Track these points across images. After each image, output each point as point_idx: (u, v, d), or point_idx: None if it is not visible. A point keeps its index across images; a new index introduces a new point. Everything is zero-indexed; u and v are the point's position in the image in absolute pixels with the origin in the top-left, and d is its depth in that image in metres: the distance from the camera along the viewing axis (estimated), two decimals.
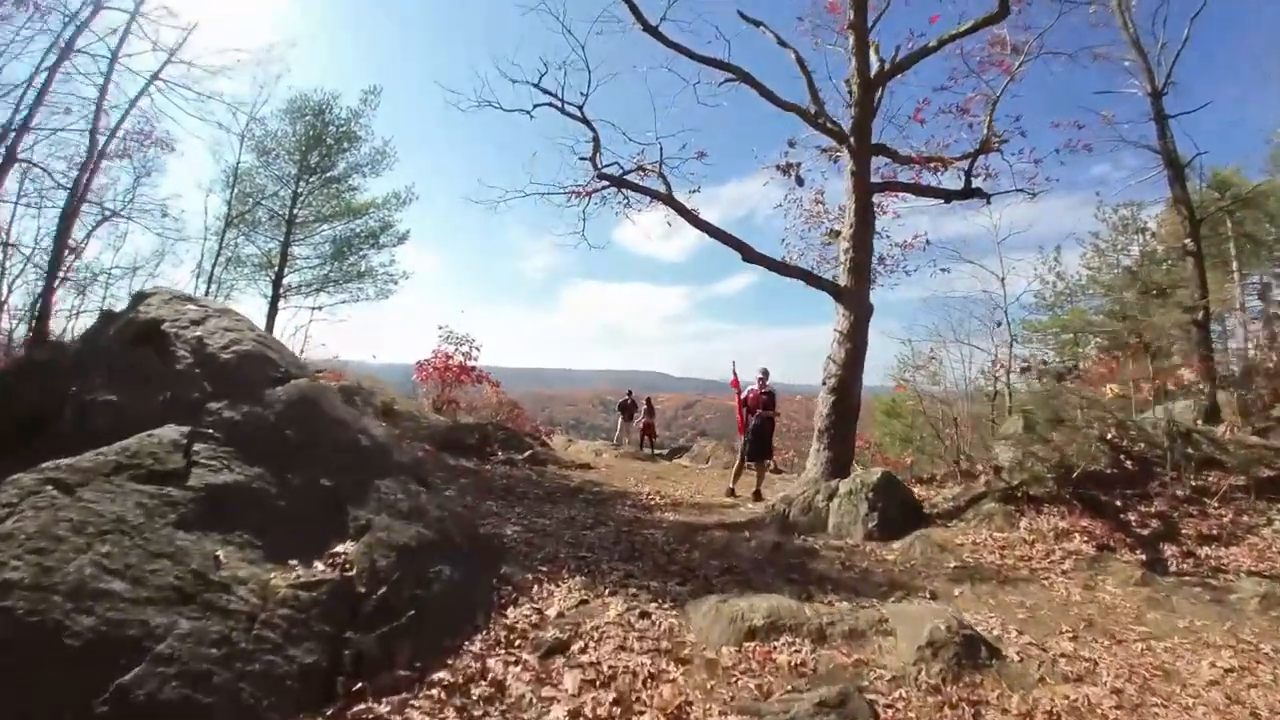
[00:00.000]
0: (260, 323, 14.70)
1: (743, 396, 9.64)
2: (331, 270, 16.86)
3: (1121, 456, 8.02)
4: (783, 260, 9.19)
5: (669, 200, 8.44)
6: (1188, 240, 11.78)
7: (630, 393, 19.03)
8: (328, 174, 16.59)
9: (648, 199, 9.14)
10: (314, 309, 16.07)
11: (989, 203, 9.56)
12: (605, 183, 9.21)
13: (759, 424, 9.42)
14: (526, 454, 11.39)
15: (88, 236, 14.13)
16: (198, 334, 4.55)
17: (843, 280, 8.28)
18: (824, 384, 8.09)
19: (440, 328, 14.92)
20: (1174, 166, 12.75)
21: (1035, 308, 18.92)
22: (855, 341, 8.03)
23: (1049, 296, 19.07)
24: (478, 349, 14.83)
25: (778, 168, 9.88)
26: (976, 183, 9.12)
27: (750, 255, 8.28)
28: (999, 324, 16.93)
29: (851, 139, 8.36)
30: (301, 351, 15.03)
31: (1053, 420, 8.08)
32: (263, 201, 16.17)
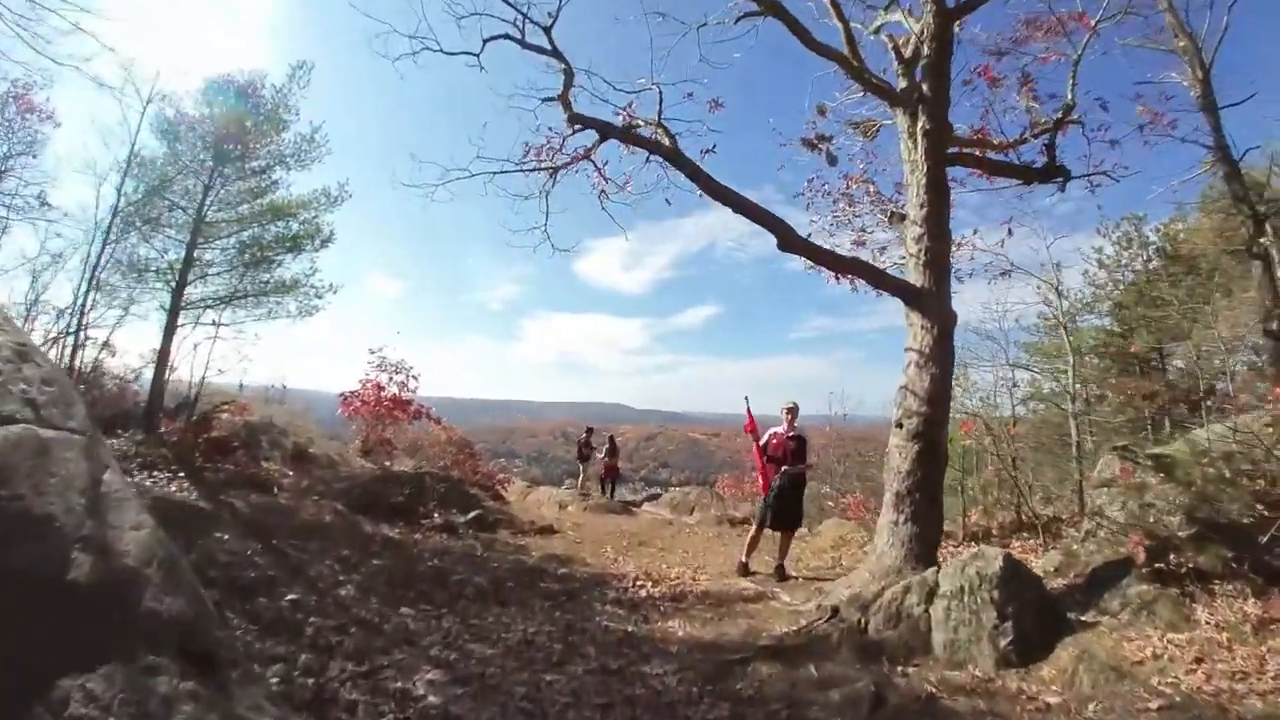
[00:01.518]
0: (155, 342, 11.79)
1: (762, 443, 7.25)
2: (245, 281, 14.05)
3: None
4: (831, 250, 6.84)
5: (674, 157, 5.99)
6: (1265, 240, 9.94)
7: (589, 430, 16.45)
8: (249, 163, 13.84)
9: (640, 162, 6.81)
10: (216, 324, 13.23)
11: (1064, 188, 7.50)
12: (580, 127, 6.78)
13: (787, 483, 7.04)
14: (472, 515, 8.78)
15: None
16: None
17: (914, 278, 6.02)
18: (898, 427, 5.74)
19: (372, 352, 12.26)
20: (1229, 161, 11.18)
21: (1037, 329, 17.02)
22: (943, 364, 5.73)
23: (1054, 316, 17.22)
24: (415, 378, 12.19)
25: (803, 142, 7.69)
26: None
27: (789, 241, 5.92)
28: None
29: (924, 85, 6.20)
30: (203, 378, 12.17)
31: (1197, 463, 5.86)
32: (167, 195, 13.29)
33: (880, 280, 6.24)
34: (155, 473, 7.89)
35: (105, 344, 12.80)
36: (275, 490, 8.66)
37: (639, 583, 6.52)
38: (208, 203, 13.47)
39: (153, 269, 13.50)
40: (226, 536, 6.17)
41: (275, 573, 5.69)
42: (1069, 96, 7.10)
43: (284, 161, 14.00)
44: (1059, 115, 7.10)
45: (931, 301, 5.88)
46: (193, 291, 13.87)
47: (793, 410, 7.26)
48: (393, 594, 5.68)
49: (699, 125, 6.86)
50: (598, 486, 15.36)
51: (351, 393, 11.86)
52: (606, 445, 15.80)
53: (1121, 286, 18.09)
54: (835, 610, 5.16)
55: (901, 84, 6.70)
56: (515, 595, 5.77)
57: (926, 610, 4.79)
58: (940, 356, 5.73)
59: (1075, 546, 6.77)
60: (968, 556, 5.12)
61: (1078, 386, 13.65)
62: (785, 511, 7.04)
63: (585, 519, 11.64)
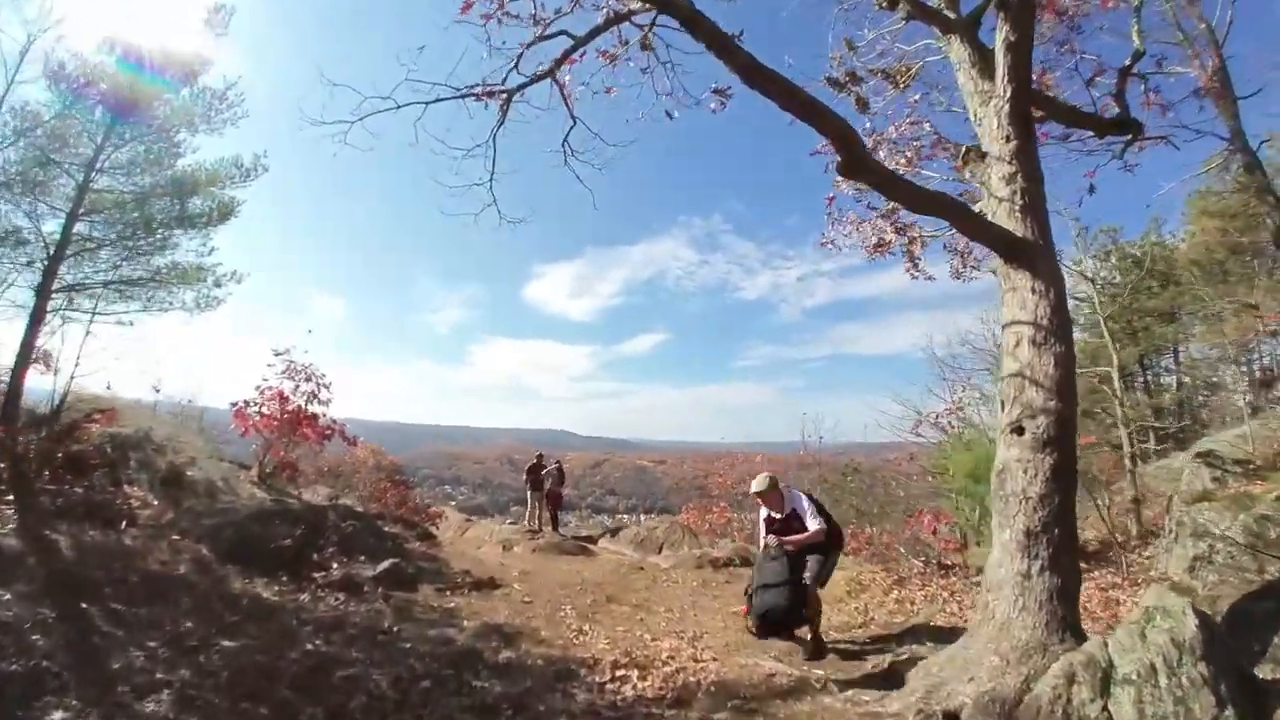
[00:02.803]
0: (14, 335, 9.26)
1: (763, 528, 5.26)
2: (132, 264, 11.57)
3: None
4: (910, 181, 4.97)
5: (693, 20, 3.93)
6: None
7: (540, 455, 14.29)
8: (148, 122, 11.42)
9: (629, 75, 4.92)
10: (92, 313, 10.75)
11: (1136, 142, 6.09)
12: (543, 34, 4.86)
13: (773, 564, 4.94)
14: (385, 565, 6.56)
15: None
16: None
17: (1013, 228, 4.31)
18: (1016, 433, 3.89)
19: (276, 354, 9.87)
20: (1248, 151, 10.40)
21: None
22: (1067, 340, 4.00)
23: (1093, 308, 16.07)
24: (326, 386, 9.84)
25: (829, 82, 5.91)
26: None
27: (858, 162, 3.99)
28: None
29: None
30: (71, 377, 9.73)
31: None
32: (49, 152, 10.82)
33: (974, 225, 4.43)
34: None
35: None
36: (125, 525, 6.39)
37: (620, 673, 4.46)
38: (97, 165, 11.03)
39: (20, 240, 10.93)
40: (12, 594, 4.40)
41: (56, 662, 3.57)
42: (1136, 42, 5.70)
43: (189, 122, 11.63)
44: (1128, 63, 5.69)
45: (1043, 256, 4.17)
46: (67, 274, 11.38)
47: (763, 492, 5.27)
48: (235, 708, 3.51)
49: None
50: (549, 519, 13.20)
51: (246, 402, 9.45)
52: (555, 472, 13.71)
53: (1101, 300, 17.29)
54: (954, 718, 3.25)
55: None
56: (434, 709, 3.65)
57: (1106, 708, 2.94)
58: (1062, 329, 3.99)
59: (1182, 576, 5.23)
60: (1140, 616, 3.30)
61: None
62: (774, 606, 4.79)
63: (535, 563, 9.48)
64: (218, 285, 11.99)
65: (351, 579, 6.11)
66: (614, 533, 13.90)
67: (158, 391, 11.22)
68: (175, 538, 6.47)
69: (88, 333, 10.49)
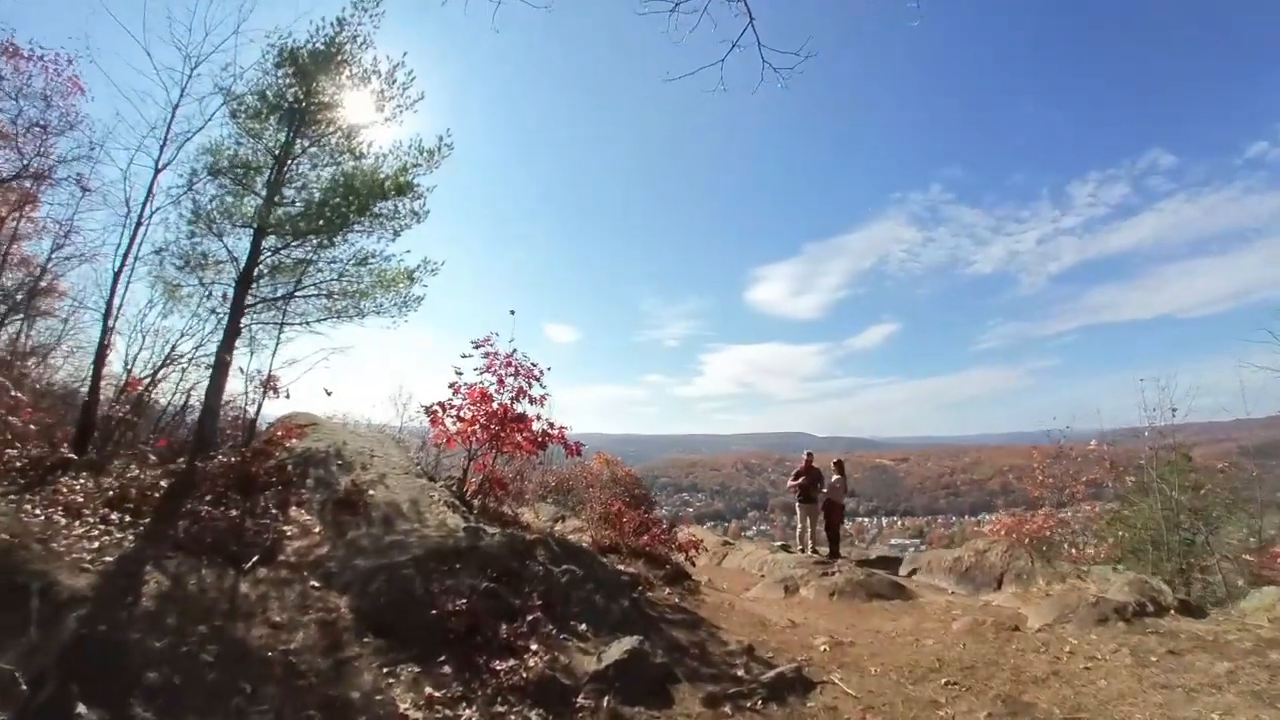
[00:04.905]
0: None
1: None
2: (319, 272, 10.47)
3: None
4: None
5: None
6: None
7: (810, 455, 10.64)
8: (317, 121, 10.28)
9: None
10: (279, 324, 9.74)
11: None
12: None
13: None
14: (618, 649, 3.73)
15: None
16: None
17: None
18: None
19: (475, 345, 7.71)
20: None
21: None
22: None
23: None
24: (538, 378, 7.46)
25: None
26: None
27: None
28: None
29: None
30: (261, 395, 8.67)
31: None
32: (229, 175, 10.01)
33: None
34: (115, 514, 4.77)
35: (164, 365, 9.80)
36: (255, 561, 4.36)
37: None
38: (280, 178, 10.11)
39: (210, 262, 10.28)
40: None
41: None
42: None
43: (363, 117, 10.31)
44: None
45: None
46: (259, 290, 10.56)
47: None
48: None
49: None
50: (823, 539, 9.74)
51: (441, 405, 7.41)
52: (835, 476, 10.09)
53: None
54: None
55: None
56: None
57: None
58: None
59: None
60: None
61: None
62: None
63: (840, 618, 6.22)
64: (410, 280, 10.53)
65: (555, 679, 3.37)
66: (891, 562, 10.09)
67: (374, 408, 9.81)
68: (314, 585, 4.31)
69: (277, 342, 9.42)
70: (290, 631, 3.83)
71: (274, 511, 5.58)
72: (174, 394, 10.13)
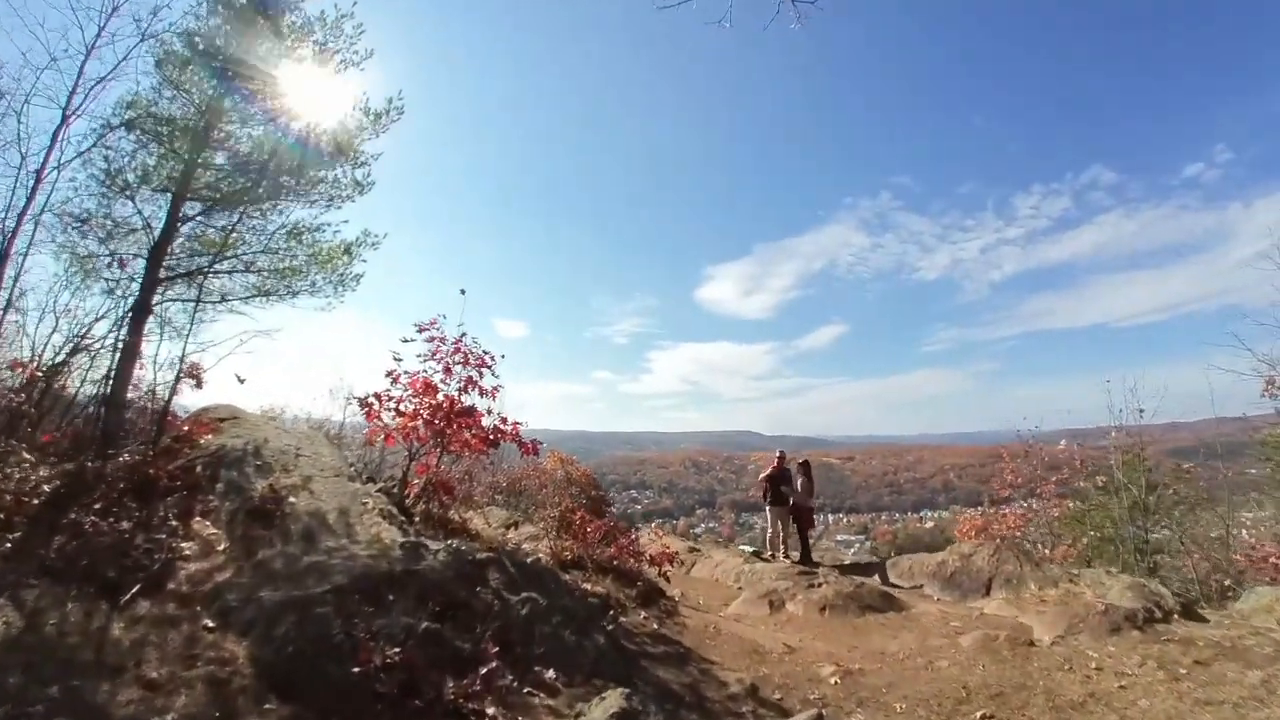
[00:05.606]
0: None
1: None
2: (245, 246, 9.28)
3: None
4: None
5: None
6: None
7: (782, 455, 9.93)
8: (252, 75, 9.04)
9: None
10: (211, 301, 8.57)
11: None
12: None
13: None
14: (613, 712, 2.85)
15: None
16: None
17: None
18: None
19: (419, 329, 6.68)
20: None
21: None
22: None
23: None
24: (490, 366, 6.49)
25: None
26: None
27: None
28: None
29: None
30: (173, 384, 7.47)
31: None
32: (163, 136, 8.75)
33: None
34: None
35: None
36: (135, 593, 3.34)
37: None
38: (206, 138, 8.83)
39: (121, 229, 8.93)
40: None
41: None
42: None
43: (308, 38, 9.03)
44: None
45: None
46: (174, 264, 9.24)
47: None
48: None
49: None
50: (797, 544, 9.07)
51: (377, 396, 6.36)
52: (799, 476, 9.40)
53: None
54: None
55: None
56: None
57: None
58: None
59: None
60: None
61: None
62: None
63: (838, 638, 5.49)
64: (348, 255, 9.41)
65: None
66: (864, 568, 9.54)
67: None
68: (206, 624, 3.34)
69: (192, 321, 8.18)
70: (169, 694, 2.85)
71: (173, 523, 4.52)
72: (82, 383, 8.76)
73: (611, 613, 4.50)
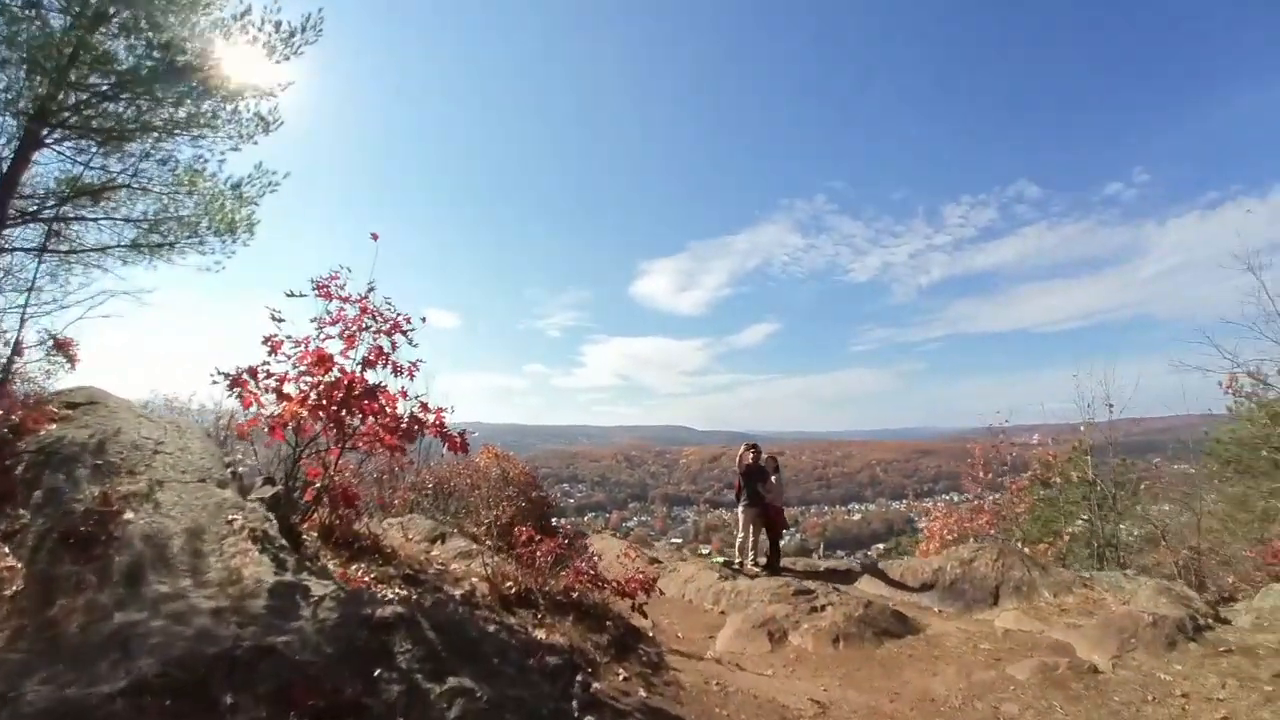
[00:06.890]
0: None
1: None
2: (121, 186, 7.54)
3: None
4: None
5: None
6: None
7: (755, 448, 8.70)
8: None
9: None
10: (61, 250, 6.86)
11: None
12: None
13: None
14: None
15: None
16: None
17: None
18: None
19: (315, 286, 4.92)
20: None
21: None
22: None
23: None
24: (405, 332, 4.84)
25: None
26: None
27: None
28: None
29: None
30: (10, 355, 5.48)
31: None
32: (24, 48, 6.76)
33: None
34: None
35: None
36: None
37: None
38: (81, 53, 6.96)
39: None
40: None
41: None
42: None
43: None
44: None
45: None
46: (26, 205, 7.40)
47: None
48: None
49: None
50: (766, 548, 7.85)
51: (250, 371, 4.58)
52: (771, 473, 8.21)
53: None
54: None
55: None
56: None
57: None
58: None
59: None
60: None
61: None
62: None
63: (870, 684, 4.24)
64: (238, 196, 7.63)
65: None
66: (849, 573, 8.42)
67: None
68: None
69: (35, 276, 6.34)
70: None
71: None
72: None
73: (580, 678, 3.06)
